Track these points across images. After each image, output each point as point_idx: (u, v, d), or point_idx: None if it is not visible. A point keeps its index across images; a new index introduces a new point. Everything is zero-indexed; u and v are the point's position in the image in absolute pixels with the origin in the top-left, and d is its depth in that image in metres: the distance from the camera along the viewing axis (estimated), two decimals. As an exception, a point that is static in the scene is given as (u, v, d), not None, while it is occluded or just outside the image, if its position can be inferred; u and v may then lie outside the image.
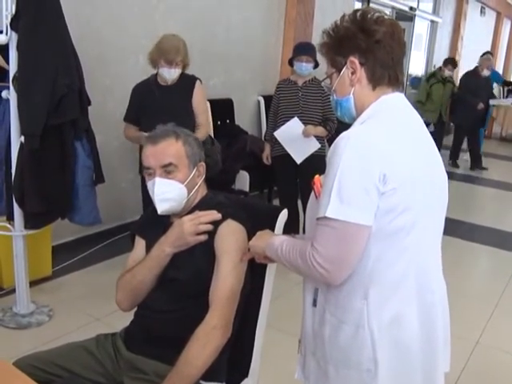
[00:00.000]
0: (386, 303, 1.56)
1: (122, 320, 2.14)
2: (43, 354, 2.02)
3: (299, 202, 4.77)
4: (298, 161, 4.62)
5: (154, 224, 2.08)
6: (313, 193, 1.63)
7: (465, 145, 9.63)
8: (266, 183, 6.13)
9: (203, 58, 5.59)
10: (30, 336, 3.38)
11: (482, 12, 14.20)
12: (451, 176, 8.44)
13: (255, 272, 2.01)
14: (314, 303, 1.68)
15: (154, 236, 1.99)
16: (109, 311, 3.44)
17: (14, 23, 3.06)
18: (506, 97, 12.62)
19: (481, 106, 8.88)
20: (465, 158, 10.14)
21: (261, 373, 2.13)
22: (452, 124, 9.82)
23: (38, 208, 3.28)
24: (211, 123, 5.81)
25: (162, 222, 2.03)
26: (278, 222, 2.03)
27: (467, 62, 13.16)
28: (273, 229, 1.99)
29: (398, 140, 1.52)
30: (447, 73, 8.88)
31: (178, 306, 1.93)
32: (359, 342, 1.56)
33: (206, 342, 1.78)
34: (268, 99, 5.47)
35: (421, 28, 11.48)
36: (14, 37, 3.09)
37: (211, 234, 1.91)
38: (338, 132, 1.60)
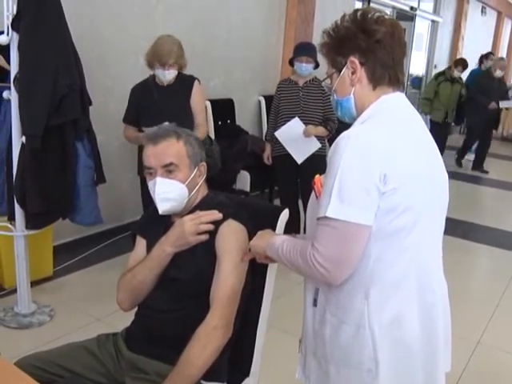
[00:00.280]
0: (387, 303, 1.56)
1: (122, 320, 2.14)
2: (44, 353, 2.02)
3: (300, 202, 4.77)
4: (299, 161, 4.62)
5: (154, 224, 2.08)
6: (313, 193, 1.63)
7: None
8: (266, 183, 6.13)
9: (204, 58, 5.60)
10: (31, 336, 3.38)
11: (483, 12, 14.19)
12: (453, 176, 8.45)
13: (256, 272, 2.01)
14: (315, 303, 1.68)
15: (154, 236, 2.00)
16: (110, 311, 3.44)
17: (15, 23, 3.07)
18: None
19: (493, 105, 8.77)
20: (466, 157, 10.14)
21: (261, 372, 2.13)
22: (454, 124, 9.76)
23: (39, 208, 3.28)
24: (211, 123, 5.83)
25: (163, 222, 2.03)
26: (279, 222, 2.03)
27: (468, 62, 13.18)
28: (274, 229, 1.99)
29: (398, 140, 1.52)
30: (456, 73, 8.81)
31: (178, 305, 1.93)
32: (360, 342, 1.56)
33: (206, 342, 1.78)
34: (269, 99, 5.48)
35: (421, 28, 11.47)
36: (15, 37, 3.10)
37: (212, 234, 1.91)
38: (338, 132, 1.59)
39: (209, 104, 5.83)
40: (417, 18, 10.84)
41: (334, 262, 1.48)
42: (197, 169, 2.01)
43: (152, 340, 1.94)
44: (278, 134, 4.66)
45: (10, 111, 3.23)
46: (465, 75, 9.25)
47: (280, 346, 2.91)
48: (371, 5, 8.45)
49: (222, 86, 6.07)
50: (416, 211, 1.52)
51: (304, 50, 4.64)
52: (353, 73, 1.60)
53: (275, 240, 1.70)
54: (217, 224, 1.91)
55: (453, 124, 9.87)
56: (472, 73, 10.37)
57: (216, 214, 1.92)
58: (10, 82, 3.18)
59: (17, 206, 3.33)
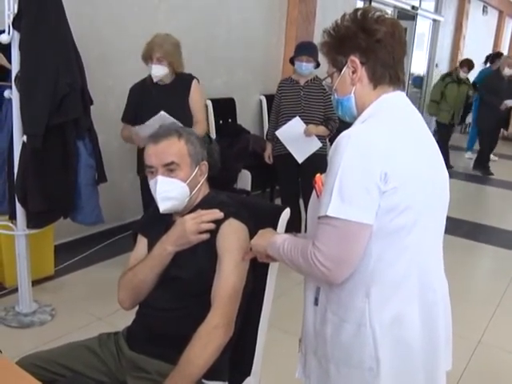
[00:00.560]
0: (388, 302, 1.56)
1: (124, 319, 2.14)
2: (46, 353, 2.03)
3: (301, 201, 4.77)
4: (300, 160, 4.62)
5: (155, 223, 2.08)
6: (314, 192, 1.63)
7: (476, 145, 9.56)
8: (267, 182, 6.14)
9: (205, 57, 5.61)
10: (32, 335, 3.39)
11: (484, 11, 14.18)
12: (455, 175, 8.46)
13: (257, 271, 2.01)
14: (316, 302, 1.68)
15: (155, 235, 2.00)
16: (111, 310, 3.44)
17: (16, 23, 3.07)
18: None
19: (504, 105, 8.64)
20: (467, 156, 10.12)
21: (262, 372, 2.13)
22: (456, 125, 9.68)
23: (41, 207, 3.28)
24: (212, 122, 5.84)
25: (164, 221, 2.03)
26: (280, 221, 2.03)
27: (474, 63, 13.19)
28: (275, 228, 1.99)
29: (398, 139, 1.52)
30: (462, 74, 8.74)
31: (179, 304, 1.93)
32: (361, 341, 1.56)
33: (207, 341, 1.78)
34: (270, 98, 5.48)
35: (423, 27, 11.45)
36: (17, 36, 3.10)
37: (213, 233, 1.91)
38: (339, 131, 1.60)
39: (210, 103, 5.84)
40: (418, 17, 10.83)
41: (334, 260, 1.48)
42: (198, 168, 2.01)
43: (153, 339, 1.94)
44: (279, 133, 4.66)
45: (12, 110, 3.23)
46: (472, 75, 9.16)
47: (281, 346, 2.91)
48: (372, 4, 8.45)
49: (224, 86, 6.08)
50: (416, 210, 1.52)
51: (305, 49, 4.63)
52: (353, 72, 1.60)
53: (276, 239, 1.70)
54: (218, 223, 1.91)
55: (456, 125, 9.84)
56: (482, 72, 10.24)
57: (217, 213, 1.92)
58: (11, 81, 3.19)
59: (18, 205, 3.34)
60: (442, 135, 8.77)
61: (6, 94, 3.27)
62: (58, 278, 4.13)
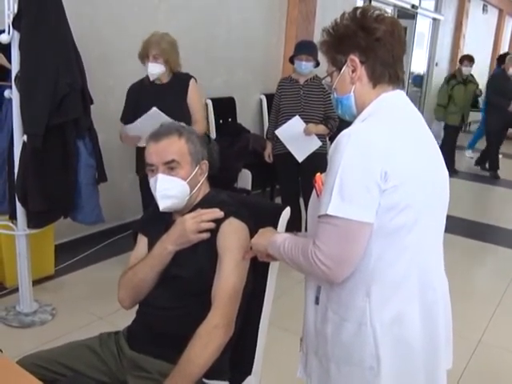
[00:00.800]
0: (388, 301, 1.56)
1: (124, 319, 2.15)
2: (47, 352, 2.03)
3: (301, 200, 4.77)
4: (300, 159, 4.62)
5: (156, 222, 2.08)
6: (314, 191, 1.63)
7: (481, 145, 9.49)
8: (268, 181, 6.14)
9: (205, 57, 5.61)
10: (33, 335, 3.39)
11: (484, 10, 14.17)
12: (459, 175, 8.46)
13: (257, 270, 2.01)
14: (317, 301, 1.68)
15: (156, 234, 2.00)
16: (111, 310, 3.44)
17: (16, 22, 3.07)
18: None
19: None
20: (467, 154, 10.11)
21: (263, 371, 2.13)
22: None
23: (41, 207, 3.28)
24: (213, 121, 5.84)
25: (164, 220, 2.04)
26: (280, 221, 2.03)
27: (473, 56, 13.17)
28: (275, 227, 1.99)
29: (398, 137, 1.52)
30: (465, 70, 8.49)
31: (179, 303, 1.93)
32: (362, 340, 1.57)
33: (208, 341, 1.78)
34: (270, 98, 5.49)
35: (423, 26, 11.45)
36: (16, 36, 3.10)
37: (213, 232, 1.91)
38: (339, 130, 1.60)
39: (210, 103, 5.85)
40: (418, 16, 10.82)
41: (335, 259, 1.48)
42: (198, 167, 2.01)
43: (153, 338, 1.95)
44: (279, 132, 4.66)
45: (12, 110, 3.23)
46: (474, 72, 9.02)
47: (281, 345, 2.91)
48: (372, 3, 8.45)
49: (224, 85, 6.08)
50: (416, 209, 1.52)
51: (304, 48, 4.63)
52: (353, 71, 1.61)
53: (277, 238, 1.70)
54: (218, 222, 1.91)
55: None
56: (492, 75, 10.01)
57: (217, 212, 1.92)
58: (11, 81, 3.19)
59: (18, 205, 3.34)
60: (451, 137, 8.66)
61: (6, 93, 3.27)
62: (58, 277, 4.13)
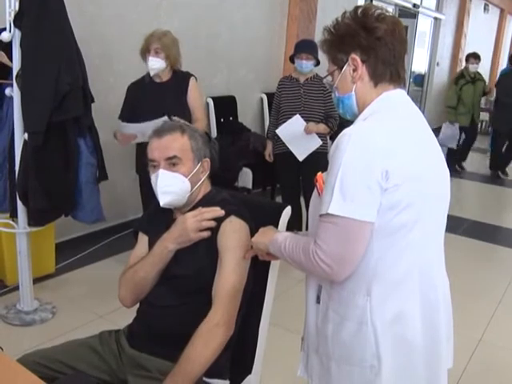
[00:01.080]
0: (389, 300, 1.56)
1: (125, 317, 2.15)
2: (47, 351, 2.03)
3: (302, 199, 4.77)
4: (300, 158, 4.62)
5: (156, 220, 2.08)
6: (315, 190, 1.63)
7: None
8: (268, 180, 6.14)
9: (206, 55, 5.61)
10: (33, 333, 3.39)
11: (486, 9, 14.17)
12: (462, 175, 8.46)
13: (258, 269, 2.01)
14: (318, 300, 1.68)
15: (156, 232, 2.00)
16: (112, 308, 3.45)
17: (18, 21, 3.07)
18: None
19: None
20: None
21: (264, 370, 2.14)
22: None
23: (42, 205, 3.28)
24: (213, 120, 5.84)
25: (165, 219, 2.04)
26: (281, 220, 2.03)
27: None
28: (276, 226, 1.99)
29: (400, 136, 1.52)
30: (472, 67, 8.36)
31: (180, 302, 1.93)
32: (362, 339, 1.57)
33: (208, 339, 1.78)
34: (271, 96, 5.49)
35: (424, 25, 11.45)
36: (18, 34, 3.10)
37: (214, 231, 1.91)
38: (341, 129, 1.60)
39: (211, 101, 5.85)
40: (419, 15, 10.82)
41: (336, 258, 1.48)
42: (200, 164, 2.01)
43: (154, 337, 1.94)
44: (279, 131, 4.66)
45: (13, 108, 3.24)
46: (481, 69, 8.89)
47: (282, 344, 2.91)
48: (373, 2, 8.44)
49: (225, 84, 6.09)
50: (418, 208, 1.52)
51: (304, 47, 4.63)
52: (354, 70, 1.60)
53: (277, 237, 1.71)
54: (219, 221, 1.91)
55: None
56: (501, 73, 9.88)
57: (218, 211, 1.92)
58: (12, 79, 3.19)
59: (19, 203, 3.34)
60: (466, 139, 8.55)
61: (7, 91, 3.27)
62: (59, 275, 4.14)
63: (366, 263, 1.53)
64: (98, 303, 3.69)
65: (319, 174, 1.63)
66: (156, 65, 3.82)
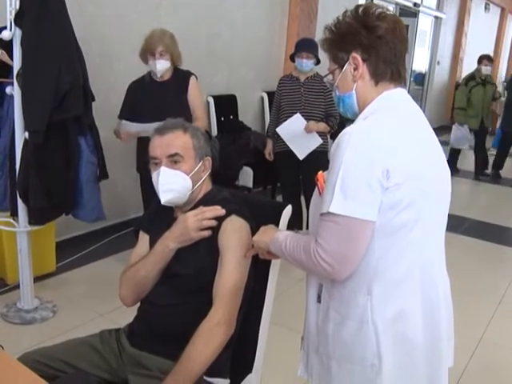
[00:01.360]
0: (390, 298, 1.56)
1: (125, 316, 2.15)
2: (48, 349, 2.03)
3: (302, 198, 4.77)
4: (301, 157, 4.62)
5: (157, 219, 2.08)
6: (316, 189, 1.63)
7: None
8: (269, 179, 6.14)
9: (207, 55, 5.62)
10: (34, 331, 3.39)
11: (487, 8, 14.16)
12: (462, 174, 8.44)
13: (259, 268, 2.01)
14: (318, 299, 1.68)
15: (157, 231, 2.00)
16: (113, 307, 3.45)
17: (18, 19, 3.07)
18: None
19: None
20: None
21: (264, 369, 2.14)
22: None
23: (42, 204, 3.29)
24: (214, 119, 5.84)
25: (166, 218, 2.04)
26: (282, 218, 2.03)
27: (471, 59, 13.15)
28: (277, 225, 1.99)
29: (400, 135, 1.52)
30: (485, 69, 8.13)
31: (181, 301, 1.93)
32: (363, 338, 1.56)
33: (209, 338, 1.78)
34: (272, 95, 5.49)
35: (425, 24, 11.45)
36: (18, 33, 3.10)
37: (215, 230, 1.91)
38: (342, 128, 1.60)
39: (212, 100, 5.86)
40: (420, 14, 10.83)
41: (337, 257, 1.48)
42: (201, 162, 2.01)
43: (154, 336, 1.95)
44: (280, 129, 4.66)
45: (13, 107, 3.24)
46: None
47: (282, 343, 2.91)
48: (374, 1, 8.44)
49: (225, 82, 6.09)
50: (419, 207, 1.52)
51: (305, 45, 4.63)
52: (355, 69, 1.60)
53: (278, 235, 1.70)
54: (220, 220, 1.91)
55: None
56: None
57: (219, 210, 1.92)
58: (12, 78, 3.19)
59: (20, 202, 3.34)
60: (476, 142, 8.41)
61: (8, 90, 3.27)
62: (59, 274, 4.14)
63: (367, 262, 1.53)
64: (99, 302, 3.69)
65: (320, 172, 1.63)
66: (163, 66, 3.83)
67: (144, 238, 2.11)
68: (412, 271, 1.57)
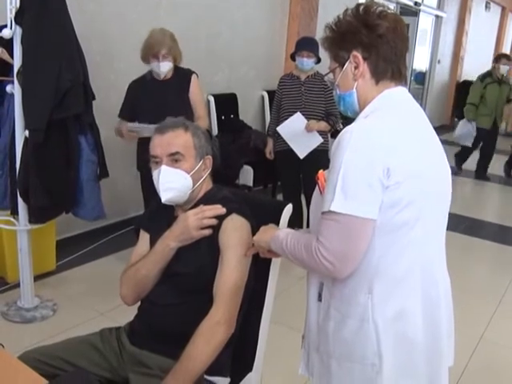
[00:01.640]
0: (391, 297, 1.56)
1: (125, 314, 2.15)
2: (48, 348, 2.03)
3: (302, 197, 4.77)
4: (301, 156, 4.62)
5: (158, 218, 2.08)
6: (317, 188, 1.63)
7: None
8: (269, 178, 6.14)
9: (208, 54, 5.62)
10: (34, 330, 3.39)
11: (487, 7, 14.15)
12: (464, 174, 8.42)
13: (259, 267, 2.01)
14: (319, 297, 1.68)
15: (158, 230, 2.00)
16: (113, 306, 3.45)
17: (19, 18, 3.07)
18: None
19: None
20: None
21: (265, 367, 2.14)
22: (457, 119, 9.17)
23: (43, 202, 3.28)
24: (215, 117, 5.84)
25: (167, 216, 2.04)
26: (282, 217, 2.03)
27: (472, 58, 13.15)
28: (277, 224, 1.99)
29: (401, 134, 1.52)
30: (503, 68, 7.94)
31: (181, 300, 1.93)
32: (364, 336, 1.57)
33: (209, 337, 1.79)
34: (272, 94, 5.49)
35: (425, 23, 11.44)
36: (19, 31, 3.10)
37: (216, 229, 1.91)
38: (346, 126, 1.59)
39: (212, 99, 5.86)
40: (420, 13, 10.82)
41: (339, 256, 1.48)
42: (202, 161, 2.01)
43: (155, 334, 1.95)
44: (280, 128, 4.66)
45: (14, 105, 3.23)
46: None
47: (283, 342, 2.91)
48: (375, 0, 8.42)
49: (226, 81, 6.09)
50: (419, 205, 1.52)
51: (305, 44, 4.64)
52: (356, 67, 1.60)
53: (279, 234, 1.70)
54: (220, 219, 1.91)
55: (456, 119, 9.45)
56: None
57: (220, 209, 1.92)
58: (13, 76, 3.19)
59: (20, 200, 3.34)
60: (484, 141, 8.25)
61: (8, 88, 3.26)
62: (59, 273, 4.14)
63: (368, 261, 1.53)
64: (99, 300, 3.69)
65: (320, 171, 1.63)
66: (166, 68, 3.83)
67: (144, 237, 2.11)
68: (412, 270, 1.57)
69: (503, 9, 15.41)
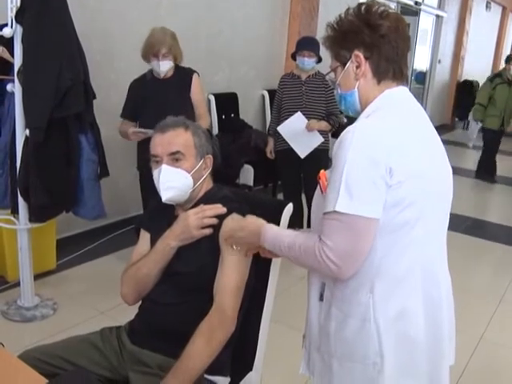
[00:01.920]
0: (392, 297, 1.56)
1: (126, 313, 2.15)
2: (48, 347, 2.03)
3: (303, 196, 4.77)
4: (302, 155, 4.62)
5: (158, 217, 2.08)
6: (318, 188, 1.63)
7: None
8: (270, 177, 6.14)
9: (208, 53, 5.62)
10: (34, 329, 3.40)
11: (488, 7, 14.15)
12: (457, 171, 8.39)
13: (260, 267, 2.01)
14: (321, 298, 1.68)
15: (158, 229, 1.99)
16: (113, 305, 3.45)
17: (19, 16, 3.06)
18: None
19: None
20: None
21: (266, 367, 2.13)
22: (458, 119, 9.09)
23: (43, 201, 3.28)
24: (215, 117, 5.84)
25: (167, 216, 2.03)
26: (282, 217, 2.03)
27: (472, 58, 13.15)
28: (278, 223, 1.98)
29: (403, 133, 1.52)
30: None
31: (182, 299, 1.93)
32: (365, 336, 1.56)
33: (209, 337, 1.79)
34: (272, 93, 5.49)
35: (426, 23, 11.44)
36: (19, 30, 3.10)
37: (216, 228, 1.90)
38: (344, 127, 1.59)
39: (213, 98, 5.85)
40: (421, 12, 10.82)
41: (343, 256, 1.47)
42: (203, 161, 2.01)
43: (155, 333, 1.94)
44: (281, 128, 4.66)
45: (14, 104, 3.23)
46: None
47: (283, 341, 2.91)
48: (376, -1, 8.42)
49: (226, 81, 6.09)
50: (420, 205, 1.52)
51: (306, 44, 4.63)
52: (357, 67, 1.60)
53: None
54: (221, 218, 1.91)
55: (456, 119, 9.42)
56: None
57: (220, 208, 1.92)
58: (13, 75, 3.18)
59: (20, 199, 3.34)
60: (489, 143, 8.19)
61: (9, 87, 3.27)
62: (60, 272, 4.14)
63: (370, 261, 1.53)
64: (99, 299, 3.69)
65: (322, 171, 1.62)
66: (167, 67, 3.83)
67: (145, 237, 2.11)
68: (414, 269, 1.57)
69: (504, 9, 15.41)
